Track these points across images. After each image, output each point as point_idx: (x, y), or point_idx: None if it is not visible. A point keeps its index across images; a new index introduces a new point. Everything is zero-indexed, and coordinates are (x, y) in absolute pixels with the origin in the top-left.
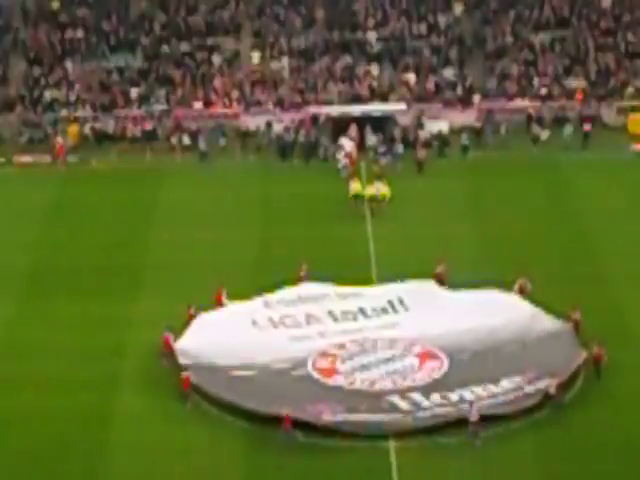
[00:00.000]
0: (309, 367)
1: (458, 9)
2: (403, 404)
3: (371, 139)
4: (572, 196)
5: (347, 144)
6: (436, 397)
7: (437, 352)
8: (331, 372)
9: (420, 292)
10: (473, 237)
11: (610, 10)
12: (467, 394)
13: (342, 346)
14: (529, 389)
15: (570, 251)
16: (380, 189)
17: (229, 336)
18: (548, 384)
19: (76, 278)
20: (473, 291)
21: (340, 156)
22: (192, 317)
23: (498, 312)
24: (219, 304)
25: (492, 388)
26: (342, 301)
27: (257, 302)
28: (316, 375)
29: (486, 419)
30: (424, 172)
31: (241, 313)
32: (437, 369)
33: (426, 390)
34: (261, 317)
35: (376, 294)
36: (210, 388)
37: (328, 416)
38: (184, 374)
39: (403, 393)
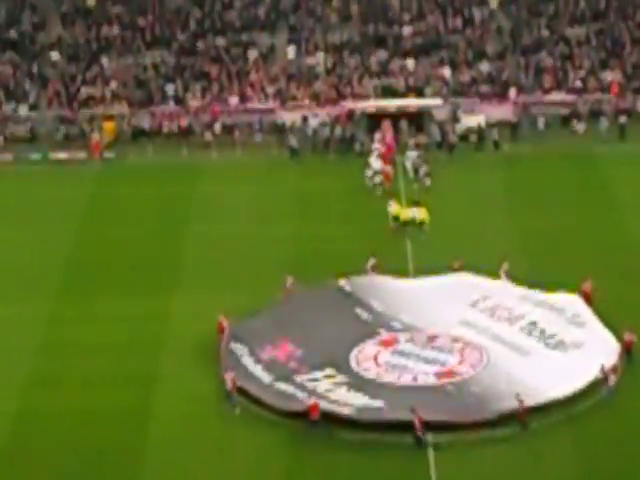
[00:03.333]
0: (392, 334)
1: (494, 3)
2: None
3: (410, 155)
4: (610, 189)
5: (374, 162)
6: (356, 395)
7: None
8: (387, 344)
9: (598, 346)
10: (509, 231)
11: None
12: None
13: (454, 339)
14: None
15: (610, 244)
16: (418, 215)
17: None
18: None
19: (113, 274)
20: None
21: (369, 174)
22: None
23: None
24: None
25: None
26: (555, 324)
27: (516, 291)
28: (377, 339)
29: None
30: (456, 159)
31: (476, 289)
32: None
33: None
34: (490, 303)
35: (588, 333)
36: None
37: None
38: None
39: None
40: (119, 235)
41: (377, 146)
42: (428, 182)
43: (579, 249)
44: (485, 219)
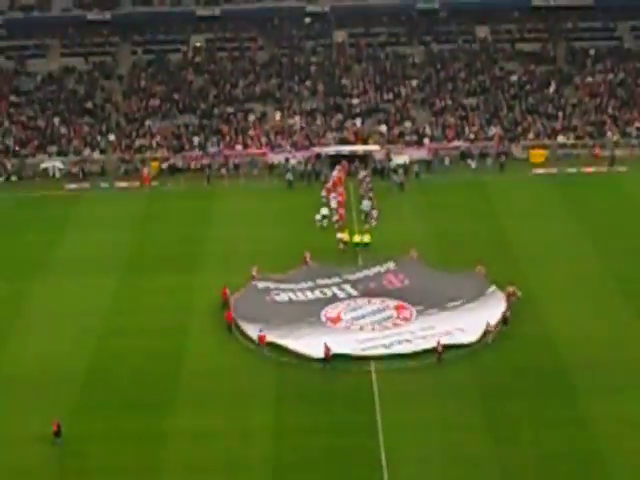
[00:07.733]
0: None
1: (414, 83)
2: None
3: (365, 205)
4: (493, 204)
5: (323, 209)
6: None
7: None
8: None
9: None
10: (429, 234)
11: (517, 82)
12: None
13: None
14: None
15: (491, 240)
16: (364, 238)
17: None
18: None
19: (160, 262)
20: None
21: (318, 218)
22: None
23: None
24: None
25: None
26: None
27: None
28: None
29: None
30: (388, 187)
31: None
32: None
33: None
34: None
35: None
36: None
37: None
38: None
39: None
40: (162, 236)
41: (330, 194)
42: (374, 223)
43: (474, 245)
44: (412, 226)
